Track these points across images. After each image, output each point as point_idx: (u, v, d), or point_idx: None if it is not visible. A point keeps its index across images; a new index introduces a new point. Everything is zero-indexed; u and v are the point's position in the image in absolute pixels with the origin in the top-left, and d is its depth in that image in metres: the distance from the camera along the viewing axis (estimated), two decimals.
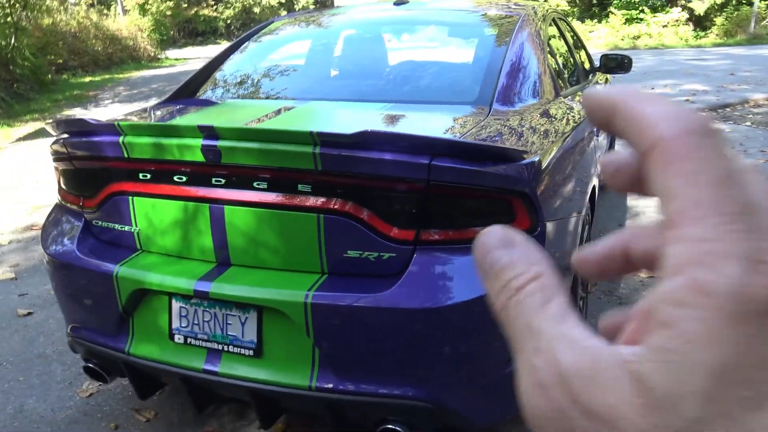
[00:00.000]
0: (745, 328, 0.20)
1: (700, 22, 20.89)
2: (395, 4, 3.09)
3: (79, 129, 1.92)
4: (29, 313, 3.22)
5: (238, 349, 1.75)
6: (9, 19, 12.73)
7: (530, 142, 1.91)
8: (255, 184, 1.71)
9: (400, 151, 1.60)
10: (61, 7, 19.58)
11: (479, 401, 1.78)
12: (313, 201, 1.67)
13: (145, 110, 2.52)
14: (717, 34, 20.12)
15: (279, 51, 3.05)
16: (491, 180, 1.62)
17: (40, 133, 8.56)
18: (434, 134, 1.73)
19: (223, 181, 1.75)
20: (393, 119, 2.10)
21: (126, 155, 1.82)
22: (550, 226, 1.78)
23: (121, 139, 1.81)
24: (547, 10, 3.23)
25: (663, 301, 0.21)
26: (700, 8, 20.30)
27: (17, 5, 13.03)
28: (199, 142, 1.70)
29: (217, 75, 2.78)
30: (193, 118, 2.23)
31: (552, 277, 0.26)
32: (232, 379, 1.75)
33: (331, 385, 1.68)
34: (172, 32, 30.73)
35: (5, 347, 2.89)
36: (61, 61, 16.39)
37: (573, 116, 2.46)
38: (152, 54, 22.62)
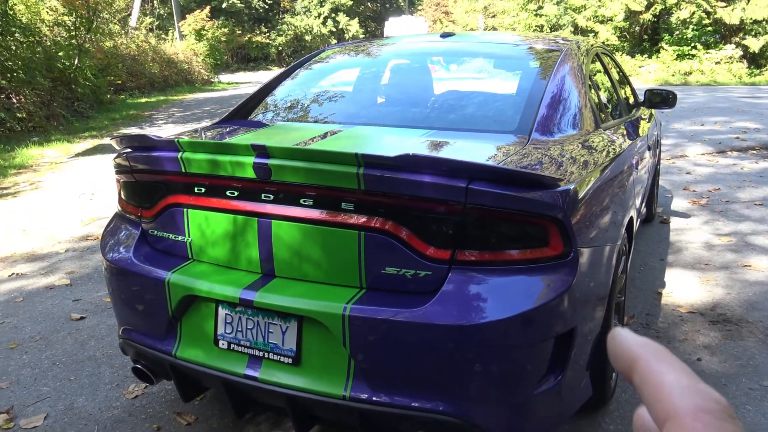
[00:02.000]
0: None
1: (755, 60, 20.51)
2: (442, 36, 3.21)
3: (141, 144, 2.07)
4: (82, 318, 3.39)
5: (278, 356, 1.84)
6: (74, 41, 13.42)
7: (567, 170, 1.97)
8: (301, 200, 1.82)
9: (439, 174, 1.68)
10: (122, 31, 20.49)
11: (509, 420, 1.82)
12: (355, 219, 1.77)
13: (201, 129, 2.67)
14: None
15: (329, 78, 3.19)
16: (526, 205, 1.69)
17: (97, 150, 8.97)
18: (473, 159, 1.81)
19: (272, 197, 1.86)
20: (434, 144, 2.19)
21: (183, 170, 1.96)
22: (583, 253, 1.82)
23: (179, 155, 1.95)
24: (591, 45, 3.30)
25: None
26: (755, 45, 19.95)
27: (82, 28, 13.73)
28: (251, 159, 1.82)
29: (269, 99, 2.93)
30: (246, 137, 2.37)
31: None
32: (271, 385, 1.84)
33: (364, 396, 1.75)
34: (225, 57, 31.74)
35: (58, 349, 3.06)
36: (119, 81, 17.13)
37: (612, 148, 2.51)
38: (206, 77, 23.44)
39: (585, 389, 2.15)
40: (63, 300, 3.66)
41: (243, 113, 2.85)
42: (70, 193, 6.43)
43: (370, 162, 1.70)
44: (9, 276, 4.07)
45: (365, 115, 2.78)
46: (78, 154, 8.84)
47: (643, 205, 3.81)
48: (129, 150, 2.12)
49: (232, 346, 1.91)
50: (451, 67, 3.51)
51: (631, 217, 2.69)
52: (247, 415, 2.42)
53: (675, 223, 5.00)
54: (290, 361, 1.83)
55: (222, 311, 1.92)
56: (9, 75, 10.60)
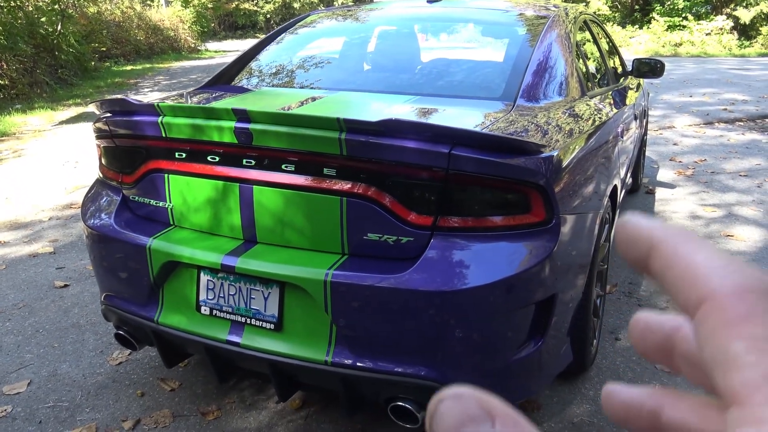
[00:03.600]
0: None
1: (746, 31, 20.45)
2: (428, 1, 3.16)
3: (121, 108, 2.04)
4: (65, 286, 3.37)
5: (260, 322, 1.84)
6: (56, 6, 13.12)
7: (551, 137, 1.96)
8: (283, 166, 1.80)
9: (421, 139, 1.67)
10: None
11: (489, 384, 1.84)
12: (337, 184, 1.75)
13: (182, 94, 2.63)
14: (762, 44, 19.68)
15: (314, 43, 3.14)
16: (508, 171, 1.68)
17: (81, 117, 8.85)
18: (456, 125, 1.79)
19: (254, 162, 1.84)
20: (418, 110, 2.17)
21: (164, 134, 1.93)
22: (565, 221, 1.83)
23: (159, 119, 1.92)
24: (579, 13, 3.26)
25: None
26: (745, 17, 19.87)
27: None
28: (233, 124, 1.79)
29: (253, 64, 2.89)
30: (227, 102, 2.34)
31: None
32: (253, 350, 1.85)
33: (346, 361, 1.76)
34: (212, 25, 31.20)
35: (42, 316, 3.05)
36: (104, 49, 16.82)
37: (597, 116, 2.50)
38: (192, 45, 23.05)
39: (565, 355, 2.18)
40: (46, 268, 3.63)
41: (226, 78, 2.81)
42: (54, 160, 6.35)
43: (352, 127, 1.68)
44: None
45: (350, 81, 2.75)
46: (62, 122, 8.71)
47: (629, 175, 3.82)
48: (109, 114, 2.08)
49: (214, 312, 1.91)
50: (437, 35, 3.47)
51: (615, 186, 2.70)
52: (231, 381, 2.43)
53: (660, 193, 5.03)
54: (272, 326, 1.83)
55: (204, 277, 1.92)
56: None
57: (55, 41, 12.68)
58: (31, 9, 12.53)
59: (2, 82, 10.48)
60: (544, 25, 2.70)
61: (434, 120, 2.04)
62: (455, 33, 3.38)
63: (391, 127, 1.67)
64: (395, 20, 3.30)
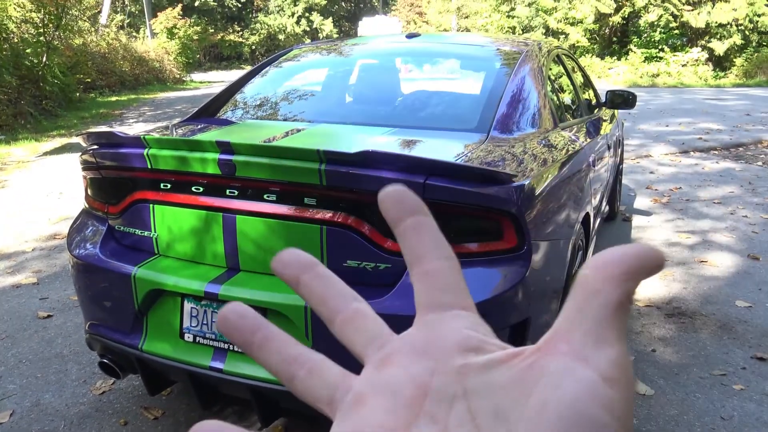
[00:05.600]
0: None
1: (720, 63, 21.03)
2: (407, 36, 3.28)
3: (107, 141, 2.10)
4: (49, 316, 3.38)
5: None
6: (42, 38, 13.21)
7: (523, 166, 2.05)
8: (265, 196, 1.87)
9: (397, 170, 1.74)
10: (92, 29, 20.20)
11: None
12: (317, 213, 1.82)
13: (167, 127, 2.70)
14: (737, 75, 20.23)
15: (298, 76, 3.24)
16: (480, 199, 1.76)
17: (66, 148, 8.87)
18: (431, 156, 1.87)
19: (237, 192, 1.91)
20: (396, 141, 2.26)
21: (150, 166, 1.99)
22: (536, 247, 1.90)
23: (145, 151, 1.98)
24: (553, 47, 3.39)
25: None
26: (719, 49, 20.46)
27: (50, 25, 13.52)
28: (216, 156, 1.86)
29: (238, 97, 2.97)
30: (212, 134, 2.41)
31: None
32: (235, 376, 1.89)
33: None
34: (198, 56, 31.45)
35: (25, 347, 3.05)
36: (89, 80, 16.88)
37: (570, 146, 2.60)
38: (177, 76, 23.21)
39: None
40: (30, 299, 3.64)
41: (210, 111, 2.89)
42: (38, 191, 6.36)
43: (331, 158, 1.76)
44: None
45: (331, 114, 2.83)
46: (46, 153, 8.73)
47: (605, 203, 3.92)
48: (95, 147, 2.14)
49: (197, 339, 1.95)
50: (415, 68, 3.58)
51: (588, 214, 2.79)
52: (214, 408, 2.46)
53: (637, 220, 5.15)
54: None
55: (187, 305, 1.96)
56: None
57: (40, 72, 12.74)
58: (16, 41, 12.61)
59: None
60: (517, 59, 2.81)
61: (411, 151, 2.12)
62: (435, 67, 3.49)
63: (369, 158, 1.75)
64: (377, 54, 3.41)
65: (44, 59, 13.02)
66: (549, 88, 2.89)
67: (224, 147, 1.86)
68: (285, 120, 2.74)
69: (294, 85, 3.13)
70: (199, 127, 2.60)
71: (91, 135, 2.15)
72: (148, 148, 1.98)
